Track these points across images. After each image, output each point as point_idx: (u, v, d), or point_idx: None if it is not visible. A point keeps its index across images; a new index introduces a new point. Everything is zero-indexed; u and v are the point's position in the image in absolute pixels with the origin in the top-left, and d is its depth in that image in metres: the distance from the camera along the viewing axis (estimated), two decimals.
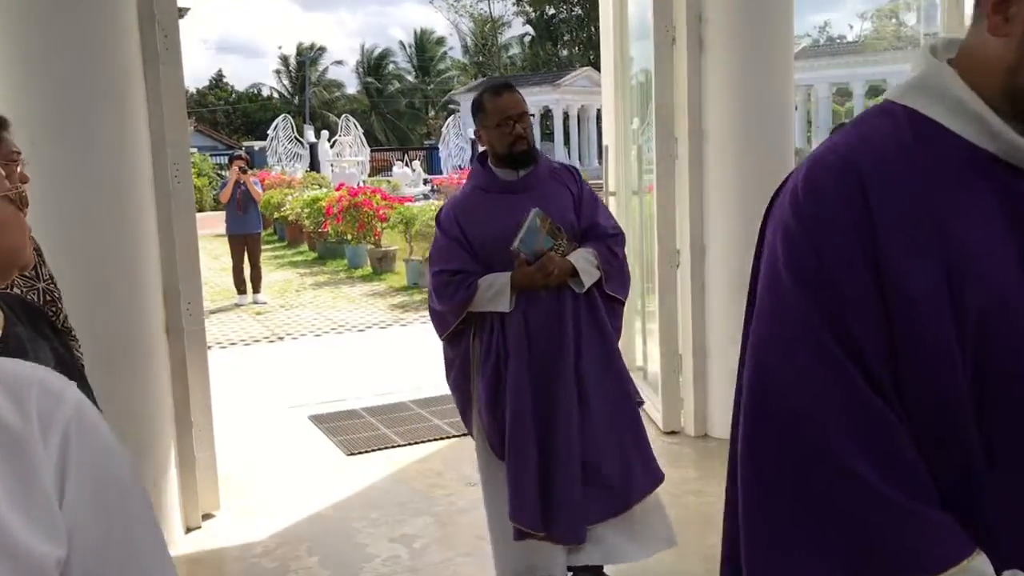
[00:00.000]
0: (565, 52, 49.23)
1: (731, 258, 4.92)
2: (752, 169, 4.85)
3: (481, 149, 3.31)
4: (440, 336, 3.26)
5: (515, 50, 51.53)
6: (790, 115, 5.17)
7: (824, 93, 34.26)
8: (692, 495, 4.27)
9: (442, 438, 5.26)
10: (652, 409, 5.43)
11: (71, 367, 1.54)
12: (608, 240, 3.18)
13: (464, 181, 3.56)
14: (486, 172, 3.20)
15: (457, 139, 35.10)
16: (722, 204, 4.92)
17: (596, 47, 6.73)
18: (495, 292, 3.06)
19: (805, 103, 34.97)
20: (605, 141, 6.43)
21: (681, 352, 5.14)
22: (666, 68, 5.01)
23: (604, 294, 3.19)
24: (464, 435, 5.25)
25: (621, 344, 6.28)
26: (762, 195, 5.16)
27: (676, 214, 5.07)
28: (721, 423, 5.03)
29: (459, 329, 3.19)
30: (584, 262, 3.10)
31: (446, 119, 39.06)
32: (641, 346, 6.16)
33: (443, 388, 6.67)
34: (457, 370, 3.29)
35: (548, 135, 40.15)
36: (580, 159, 38.95)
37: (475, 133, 3.19)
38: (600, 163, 6.38)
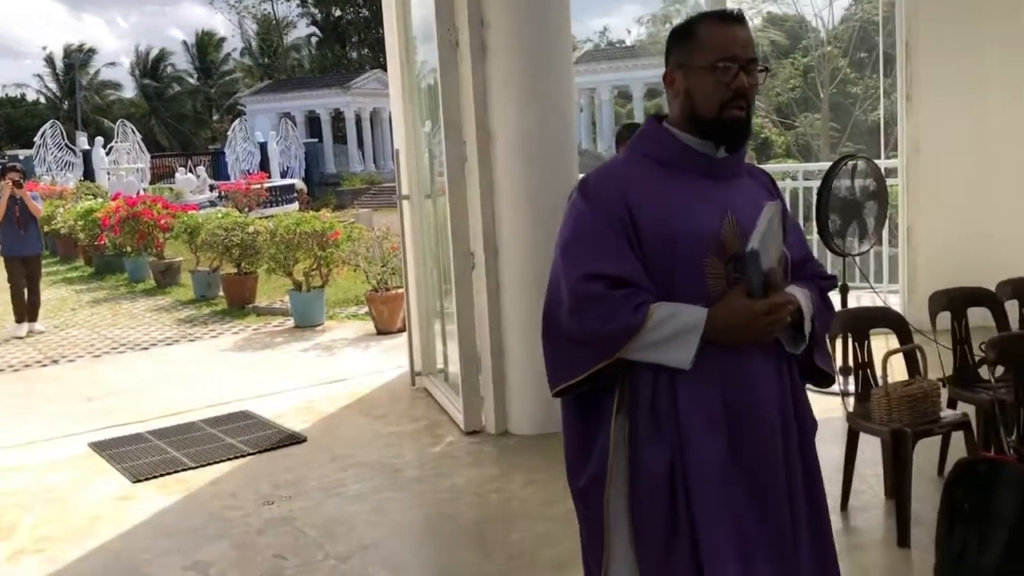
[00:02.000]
0: (355, 54, 48.66)
1: (524, 257, 5.01)
2: (539, 170, 4.96)
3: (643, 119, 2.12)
4: (560, 383, 2.00)
5: (303, 52, 50.41)
6: (573, 117, 5.32)
7: (606, 96, 35.70)
8: (494, 493, 4.31)
9: (236, 457, 5.04)
10: (453, 410, 5.44)
11: None
12: (823, 285, 2.10)
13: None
14: (668, 138, 2.00)
15: (245, 143, 33.94)
16: (512, 205, 5.00)
17: (385, 50, 6.67)
18: (674, 332, 1.85)
19: (589, 105, 36.33)
20: (396, 144, 6.39)
21: (480, 352, 5.18)
22: (451, 71, 5.03)
23: (802, 366, 2.08)
24: (261, 452, 5.08)
25: (421, 347, 6.32)
26: (550, 195, 5.30)
27: (469, 216, 5.10)
28: (521, 420, 5.11)
29: (593, 385, 1.97)
30: (806, 308, 1.99)
31: (232, 122, 37.67)
32: (441, 348, 6.17)
33: (236, 405, 6.41)
34: (596, 462, 1.99)
35: (341, 138, 39.56)
36: (375, 162, 38.66)
37: (665, 77, 2.01)
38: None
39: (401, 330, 7.43)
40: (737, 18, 1.97)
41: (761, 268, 1.85)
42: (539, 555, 3.65)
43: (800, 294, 1.97)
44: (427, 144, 6.02)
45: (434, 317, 6.29)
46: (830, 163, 5.75)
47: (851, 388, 4.14)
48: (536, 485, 4.36)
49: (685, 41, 1.97)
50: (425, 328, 6.32)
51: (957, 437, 3.68)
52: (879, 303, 5.47)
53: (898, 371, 3.79)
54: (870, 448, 3.92)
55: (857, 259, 5.85)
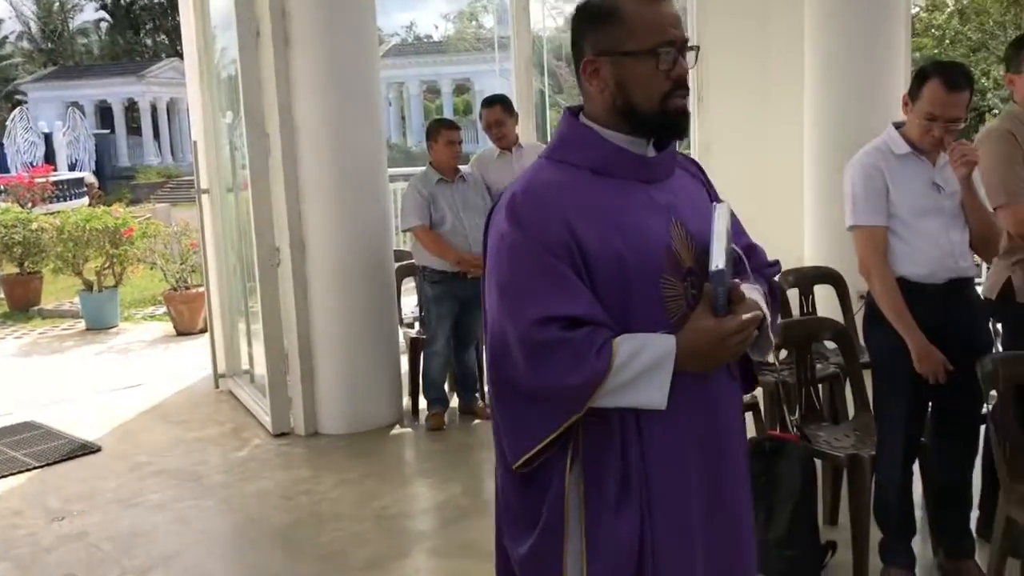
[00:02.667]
0: (149, 41, 46.14)
1: (332, 252, 4.92)
2: (347, 163, 4.88)
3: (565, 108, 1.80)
4: (524, 452, 1.64)
5: (91, 37, 47.29)
6: (380, 110, 5.27)
7: (415, 90, 35.67)
8: (304, 495, 4.21)
9: (20, 471, 4.68)
10: (260, 412, 5.28)
11: None
12: (769, 274, 1.88)
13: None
14: (598, 140, 1.70)
15: (27, 133, 31.43)
16: (320, 200, 4.90)
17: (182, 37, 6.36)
18: (643, 369, 1.58)
19: (398, 99, 36.17)
20: (194, 136, 6.12)
21: (287, 352, 5.04)
22: (252, 62, 4.86)
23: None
24: (49, 465, 4.73)
25: (224, 347, 6.09)
26: (359, 188, 5.22)
27: (273, 211, 4.96)
28: (331, 420, 5.02)
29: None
30: (764, 309, 1.74)
31: (11, 111, 34.85)
32: (246, 348, 5.97)
33: (18, 416, 5.95)
34: (546, 534, 1.66)
35: (135, 129, 37.45)
36: (173, 155, 36.87)
37: (583, 67, 1.68)
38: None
39: (203, 331, 7.14)
40: None
41: (727, 285, 1.61)
42: (351, 556, 3.60)
43: (756, 295, 1.73)
44: (228, 136, 5.80)
45: (238, 316, 6.07)
46: None
47: None
48: (347, 485, 4.30)
49: (607, 24, 1.64)
50: (229, 328, 6.09)
51: (747, 418, 3.92)
52: None
53: None
54: None
55: None
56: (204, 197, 5.98)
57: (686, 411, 1.64)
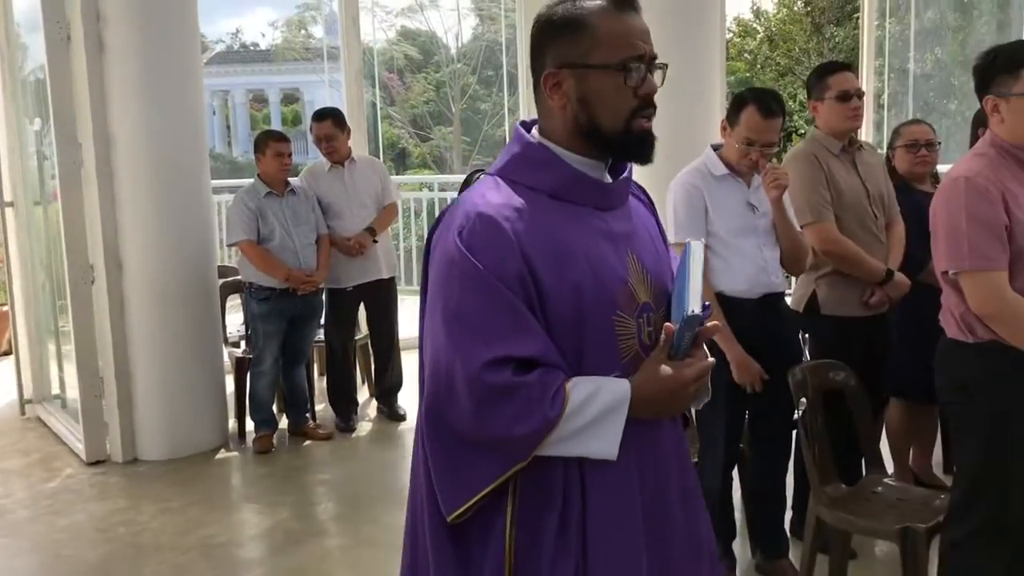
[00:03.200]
0: None
1: (151, 270, 4.68)
2: (167, 175, 4.67)
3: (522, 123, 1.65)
4: (462, 503, 1.50)
5: None
6: (203, 119, 5.06)
7: (241, 99, 34.58)
8: (122, 526, 3.97)
9: None
10: (73, 440, 4.95)
11: None
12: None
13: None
14: (557, 161, 1.57)
15: None
16: (137, 213, 4.65)
17: None
18: (596, 416, 1.47)
19: (223, 108, 34.97)
20: None
21: (103, 375, 4.75)
22: (62, 67, 4.57)
23: None
24: None
25: (32, 371, 5.67)
26: (180, 202, 4.96)
27: (87, 225, 4.67)
28: (151, 446, 4.77)
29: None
30: None
31: None
32: (57, 372, 5.59)
33: None
34: None
35: None
36: None
37: (543, 79, 1.55)
38: None
39: (7, 353, 6.62)
40: (631, 2, 1.56)
41: (696, 331, 1.51)
42: None
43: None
44: (36, 144, 5.43)
45: (47, 337, 5.68)
46: (464, 175, 6.00)
47: None
48: (169, 514, 4.08)
49: (572, 34, 1.52)
50: (37, 350, 5.69)
51: None
52: None
53: None
54: None
55: None
56: (8, 210, 5.57)
57: (635, 464, 1.53)
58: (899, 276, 3.35)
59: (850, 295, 3.35)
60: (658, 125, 1.58)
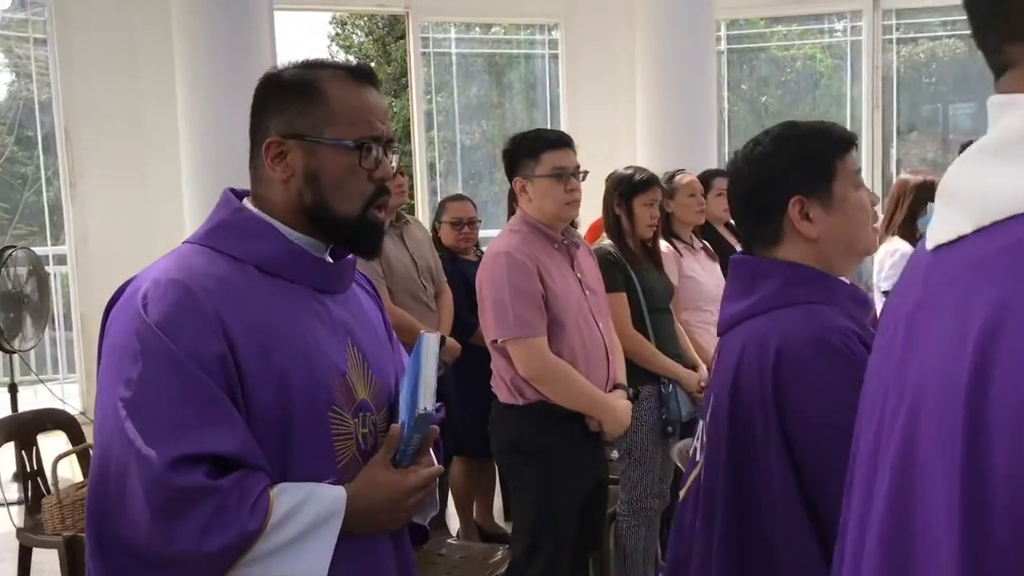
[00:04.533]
0: None
1: None
2: None
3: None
4: None
5: None
6: None
7: None
8: None
9: None
10: None
11: None
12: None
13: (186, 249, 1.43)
14: (271, 232, 1.38)
15: None
16: None
17: None
18: (304, 529, 1.25)
19: None
20: None
21: None
22: None
23: None
24: None
25: None
26: None
27: None
28: None
29: None
30: None
31: None
32: None
33: None
34: None
35: None
36: None
37: (256, 139, 1.38)
38: None
39: None
40: (371, 76, 1.41)
41: (426, 432, 1.36)
42: None
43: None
44: None
45: None
46: None
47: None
48: None
49: (305, 102, 1.35)
50: None
51: None
52: (57, 398, 5.18)
53: (76, 473, 3.61)
54: (48, 561, 3.63)
55: (29, 354, 5.48)
56: None
57: None
58: (450, 341, 3.54)
59: None
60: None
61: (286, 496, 1.24)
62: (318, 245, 1.40)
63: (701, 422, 1.65)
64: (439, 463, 1.48)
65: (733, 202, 1.62)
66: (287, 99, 1.36)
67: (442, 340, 1.49)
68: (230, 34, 5.23)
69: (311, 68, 1.38)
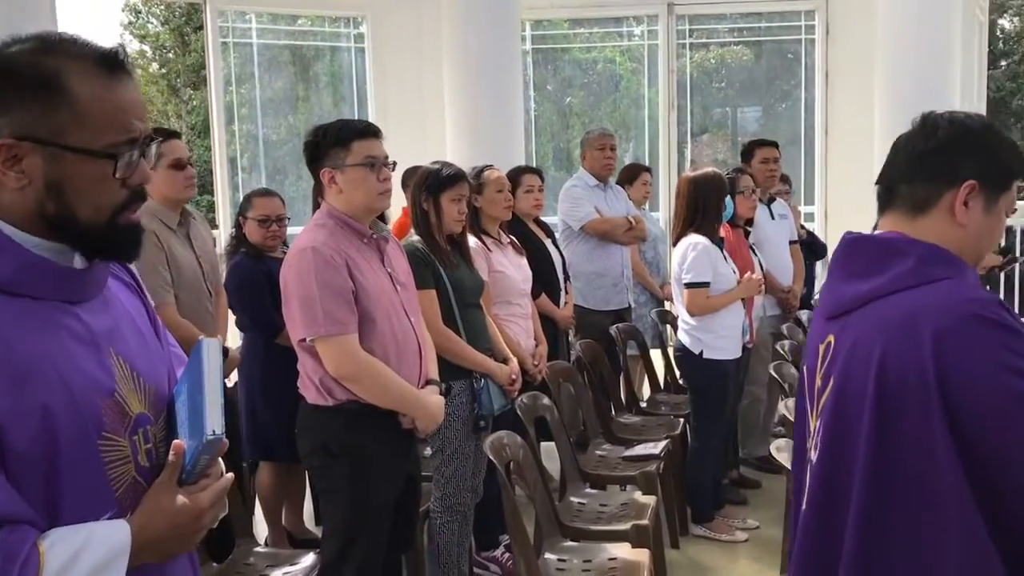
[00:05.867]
0: None
1: None
2: None
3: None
4: None
5: None
6: None
7: None
8: None
9: None
10: None
11: None
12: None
13: None
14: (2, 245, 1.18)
15: None
16: None
17: None
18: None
19: None
20: None
21: None
22: None
23: None
24: None
25: None
26: None
27: None
28: None
29: None
30: None
31: None
32: None
33: None
34: None
35: None
36: None
37: None
38: None
39: None
40: (123, 63, 1.22)
41: (216, 450, 1.25)
42: None
43: None
44: None
45: None
46: None
47: None
48: None
49: (45, 100, 1.15)
50: None
51: None
52: None
53: None
54: None
55: None
56: None
57: None
58: (232, 352, 3.46)
59: None
60: None
61: (59, 548, 1.11)
62: (64, 250, 1.22)
63: (814, 422, 1.55)
64: (231, 467, 1.41)
65: (904, 150, 1.51)
66: (21, 94, 1.15)
67: (225, 351, 1.41)
68: (7, 22, 4.81)
69: (49, 53, 1.17)
